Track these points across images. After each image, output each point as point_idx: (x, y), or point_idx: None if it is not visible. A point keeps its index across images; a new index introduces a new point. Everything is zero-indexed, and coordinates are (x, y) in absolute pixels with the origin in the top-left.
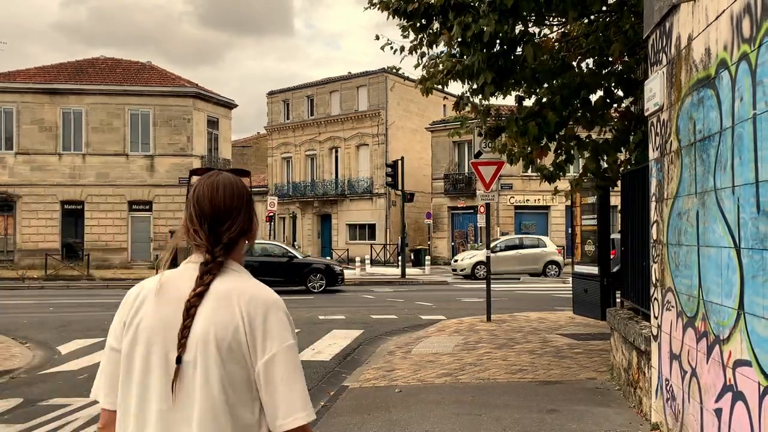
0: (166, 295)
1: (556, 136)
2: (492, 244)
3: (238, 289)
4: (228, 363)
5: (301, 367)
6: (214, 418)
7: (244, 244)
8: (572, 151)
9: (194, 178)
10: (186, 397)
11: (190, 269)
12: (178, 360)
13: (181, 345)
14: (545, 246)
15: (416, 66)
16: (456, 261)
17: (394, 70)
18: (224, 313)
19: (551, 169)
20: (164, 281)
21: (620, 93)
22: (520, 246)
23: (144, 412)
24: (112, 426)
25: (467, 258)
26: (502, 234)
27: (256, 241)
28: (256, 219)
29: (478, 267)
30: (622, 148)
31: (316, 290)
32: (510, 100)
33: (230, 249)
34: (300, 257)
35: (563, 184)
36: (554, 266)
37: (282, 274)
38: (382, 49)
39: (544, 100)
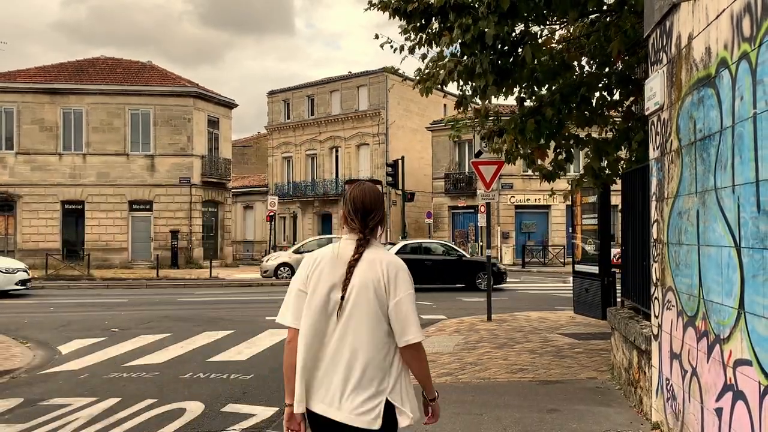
0: (336, 259)
1: (556, 135)
2: (297, 245)
3: (380, 257)
4: (372, 300)
5: (416, 307)
6: (363, 329)
7: (379, 229)
8: (572, 150)
9: (347, 186)
10: (345, 318)
11: (349, 243)
12: (342, 298)
13: (344, 289)
14: None
15: (417, 72)
16: (263, 262)
17: (393, 71)
18: (372, 271)
19: (550, 168)
20: (336, 251)
21: (620, 92)
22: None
23: (320, 326)
24: (296, 338)
25: (272, 259)
26: (504, 235)
27: (427, 241)
28: (386, 213)
29: (282, 269)
30: (623, 147)
31: (483, 288)
32: (510, 100)
33: (373, 231)
34: (468, 256)
35: (562, 184)
36: None
37: (452, 272)
38: (381, 47)
39: (545, 98)
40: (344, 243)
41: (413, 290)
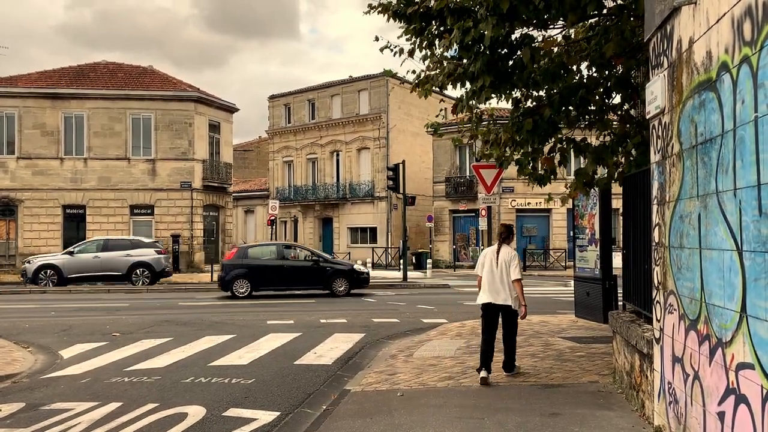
0: (492, 251)
1: (552, 136)
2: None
3: (508, 249)
4: (506, 264)
5: (520, 264)
6: (504, 274)
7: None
8: (567, 154)
9: (501, 225)
10: (499, 272)
11: (497, 245)
12: (497, 262)
13: (497, 260)
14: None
15: (414, 72)
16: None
17: (393, 75)
18: (506, 254)
19: (542, 172)
20: (493, 248)
21: (619, 96)
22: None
23: (491, 273)
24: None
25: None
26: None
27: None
28: (513, 233)
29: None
30: (619, 152)
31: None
32: (508, 105)
33: (505, 241)
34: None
35: (561, 188)
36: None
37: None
38: (381, 51)
39: (543, 100)
40: (496, 246)
41: (519, 259)
